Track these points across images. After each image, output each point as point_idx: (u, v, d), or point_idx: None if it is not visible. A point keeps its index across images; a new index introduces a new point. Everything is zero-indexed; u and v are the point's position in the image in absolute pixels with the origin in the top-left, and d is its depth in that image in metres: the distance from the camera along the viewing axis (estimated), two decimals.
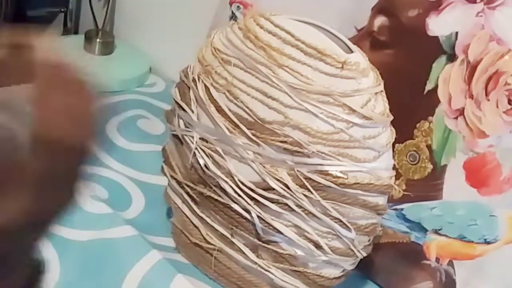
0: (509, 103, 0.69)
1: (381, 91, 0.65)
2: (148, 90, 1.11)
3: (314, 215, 0.62)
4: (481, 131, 0.70)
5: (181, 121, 0.68)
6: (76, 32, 1.30)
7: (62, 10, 1.27)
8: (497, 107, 0.69)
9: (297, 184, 0.61)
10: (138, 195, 0.83)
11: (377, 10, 0.78)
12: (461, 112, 0.72)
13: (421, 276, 0.76)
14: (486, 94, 0.70)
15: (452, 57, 0.72)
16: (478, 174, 0.71)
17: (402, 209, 0.76)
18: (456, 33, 0.71)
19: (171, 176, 0.71)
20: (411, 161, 0.76)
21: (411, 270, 0.77)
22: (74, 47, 1.13)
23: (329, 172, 0.60)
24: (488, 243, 0.71)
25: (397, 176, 0.74)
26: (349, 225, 0.63)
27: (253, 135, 0.61)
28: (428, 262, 0.75)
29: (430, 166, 0.75)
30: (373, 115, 0.62)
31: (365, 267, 0.75)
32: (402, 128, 0.68)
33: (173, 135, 0.70)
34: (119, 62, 1.13)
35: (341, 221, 0.62)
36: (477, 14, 0.70)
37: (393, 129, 0.67)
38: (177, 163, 0.70)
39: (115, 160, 0.87)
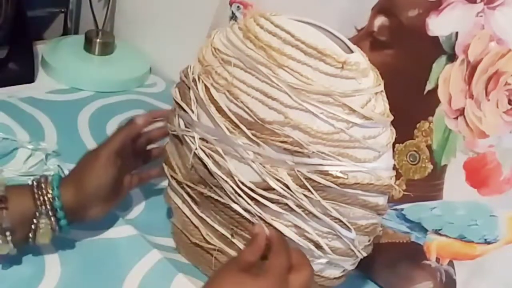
0: (509, 103, 0.69)
1: (381, 91, 0.65)
2: (148, 90, 1.11)
3: (314, 215, 0.62)
4: (481, 131, 0.70)
5: (181, 121, 0.68)
6: (76, 32, 1.30)
7: (62, 10, 1.28)
8: (497, 107, 0.69)
9: (297, 184, 0.61)
10: (138, 195, 0.83)
11: (377, 10, 0.78)
12: (461, 112, 0.72)
13: (421, 276, 0.76)
14: (486, 94, 0.70)
15: (452, 57, 0.72)
16: (478, 174, 0.71)
17: (402, 209, 0.76)
18: (456, 33, 0.71)
19: (171, 176, 0.71)
20: (411, 161, 0.76)
21: (411, 270, 0.77)
22: (74, 47, 1.13)
23: (329, 172, 0.60)
24: (488, 243, 0.71)
25: (397, 176, 0.74)
26: (349, 225, 0.63)
27: (253, 135, 0.61)
28: (428, 262, 0.75)
29: (430, 166, 0.75)
30: (373, 115, 0.62)
31: (365, 267, 0.75)
32: (402, 128, 0.68)
33: (173, 135, 0.70)
34: (119, 62, 1.13)
35: (341, 221, 0.62)
36: (477, 14, 0.70)
37: (393, 129, 0.67)
38: (177, 163, 0.70)
39: None
